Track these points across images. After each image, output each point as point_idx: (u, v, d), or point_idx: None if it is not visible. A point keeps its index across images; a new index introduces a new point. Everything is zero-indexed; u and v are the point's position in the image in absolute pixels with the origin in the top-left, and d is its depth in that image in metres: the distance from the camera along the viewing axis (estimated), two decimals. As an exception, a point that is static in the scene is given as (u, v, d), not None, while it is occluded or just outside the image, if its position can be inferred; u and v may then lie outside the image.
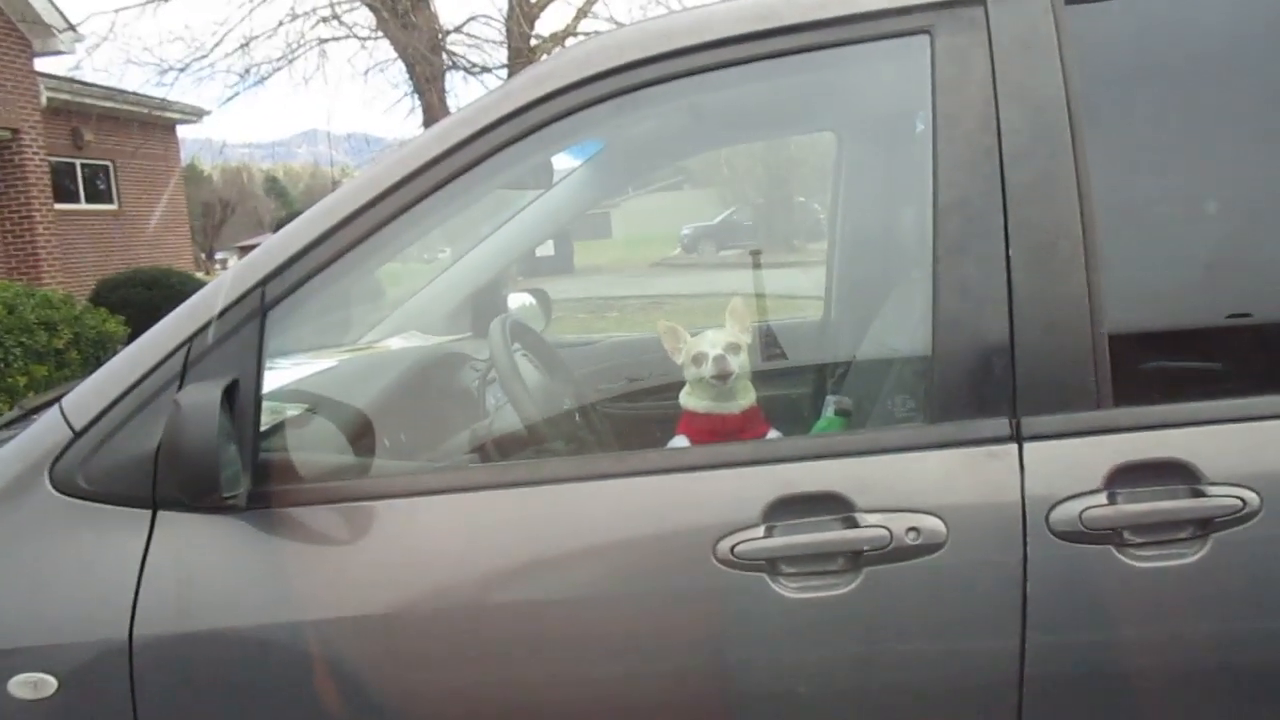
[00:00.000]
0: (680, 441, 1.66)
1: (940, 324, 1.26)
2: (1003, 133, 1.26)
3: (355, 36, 10.65)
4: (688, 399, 1.69)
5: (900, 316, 1.80)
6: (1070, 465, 1.22)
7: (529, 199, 2.39)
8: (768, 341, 2.44)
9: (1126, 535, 1.20)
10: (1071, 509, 1.19)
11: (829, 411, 1.80)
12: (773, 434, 1.67)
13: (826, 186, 2.65)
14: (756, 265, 2.81)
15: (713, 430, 1.64)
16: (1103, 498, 1.20)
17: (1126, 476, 1.21)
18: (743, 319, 1.69)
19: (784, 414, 1.84)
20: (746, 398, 1.67)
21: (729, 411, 1.66)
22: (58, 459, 1.28)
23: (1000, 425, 1.23)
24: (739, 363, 1.65)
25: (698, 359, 1.65)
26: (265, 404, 1.30)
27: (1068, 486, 1.20)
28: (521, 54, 10.23)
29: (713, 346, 1.64)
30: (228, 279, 1.33)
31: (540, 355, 2.07)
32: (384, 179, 1.32)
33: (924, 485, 1.23)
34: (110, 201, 13.15)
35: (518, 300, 2.43)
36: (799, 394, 2.19)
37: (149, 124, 13.52)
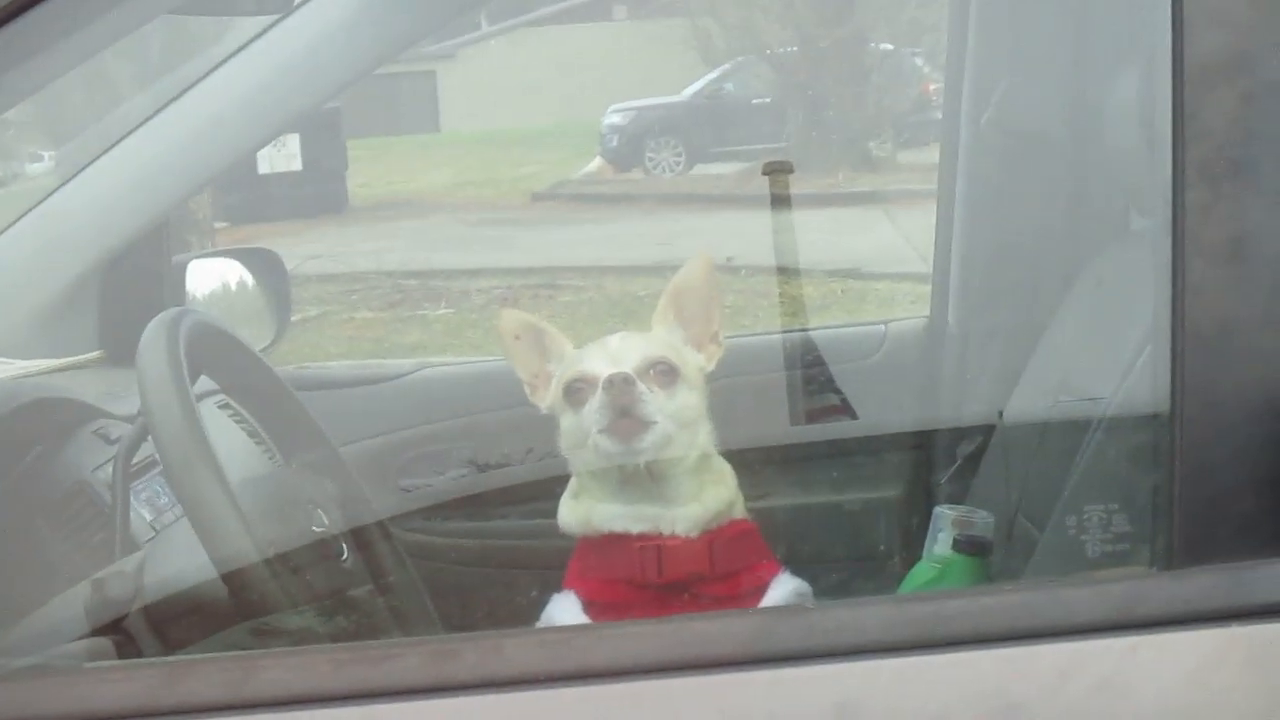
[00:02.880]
0: (568, 612, 1.72)
1: (1192, 340, 1.31)
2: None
3: None
4: (573, 507, 1.79)
5: (1101, 322, 1.86)
6: None
7: (242, 40, 2.42)
8: (806, 378, 2.48)
9: None
10: None
11: (941, 544, 1.86)
12: (788, 583, 1.74)
13: (941, 21, 2.70)
14: (780, 199, 2.83)
15: (639, 576, 1.70)
16: None
17: None
18: (700, 315, 1.78)
19: (835, 544, 1.92)
20: (706, 498, 1.75)
21: (665, 531, 1.72)
22: None
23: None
24: (675, 409, 1.73)
25: (573, 391, 1.73)
26: None
27: None
28: None
29: (612, 363, 1.72)
30: None
31: (262, 407, 2.12)
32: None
33: (1155, 714, 1.27)
34: None
35: (209, 277, 2.48)
36: (873, 500, 2.25)
37: None
